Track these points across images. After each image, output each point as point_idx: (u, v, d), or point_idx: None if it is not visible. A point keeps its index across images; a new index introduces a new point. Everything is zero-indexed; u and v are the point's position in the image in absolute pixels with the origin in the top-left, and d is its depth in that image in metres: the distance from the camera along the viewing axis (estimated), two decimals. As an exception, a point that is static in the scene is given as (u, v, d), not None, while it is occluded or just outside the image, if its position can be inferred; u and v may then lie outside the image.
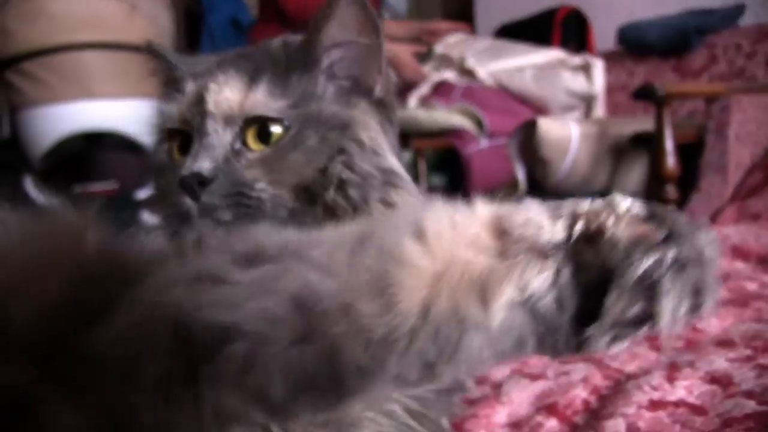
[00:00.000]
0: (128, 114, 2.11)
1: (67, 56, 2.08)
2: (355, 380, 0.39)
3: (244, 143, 0.63)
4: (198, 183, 0.60)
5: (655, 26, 2.77)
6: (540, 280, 0.41)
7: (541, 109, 2.78)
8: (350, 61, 0.68)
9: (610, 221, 0.42)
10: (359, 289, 0.40)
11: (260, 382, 0.38)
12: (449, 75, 2.81)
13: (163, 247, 0.49)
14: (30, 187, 2.20)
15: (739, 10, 2.69)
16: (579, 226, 0.42)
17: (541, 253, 0.42)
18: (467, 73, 2.82)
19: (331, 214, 0.63)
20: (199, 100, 0.65)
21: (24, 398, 0.38)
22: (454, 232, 0.43)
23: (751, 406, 0.63)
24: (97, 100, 2.10)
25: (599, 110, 2.83)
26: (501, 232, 0.43)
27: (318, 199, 0.63)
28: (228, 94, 0.64)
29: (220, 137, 0.63)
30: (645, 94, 2.09)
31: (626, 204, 0.43)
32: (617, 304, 0.39)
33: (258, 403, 0.38)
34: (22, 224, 0.50)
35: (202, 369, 0.38)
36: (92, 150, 2.13)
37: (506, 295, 0.41)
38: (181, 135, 0.67)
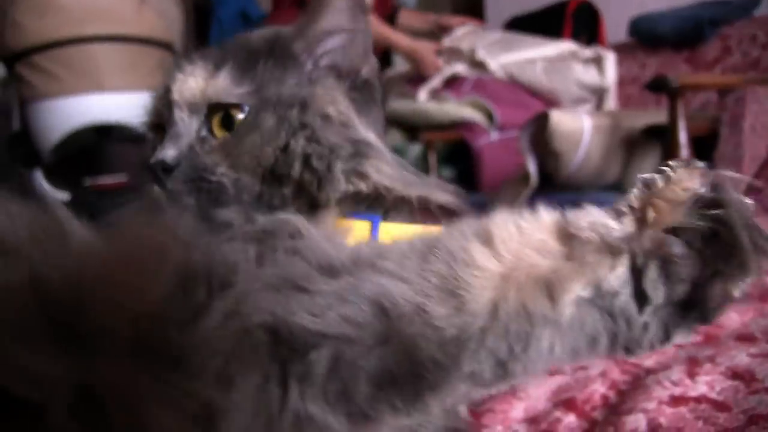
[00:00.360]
0: (138, 107, 2.10)
1: (76, 49, 2.08)
2: (433, 375, 0.41)
3: (211, 131, 0.65)
4: (162, 170, 0.61)
5: (668, 18, 2.74)
6: (613, 277, 0.42)
7: (552, 101, 2.76)
8: (341, 47, 0.69)
9: (676, 189, 0.43)
10: (430, 292, 0.42)
11: (345, 383, 0.41)
12: (460, 68, 2.80)
13: (241, 253, 0.49)
14: (40, 180, 2.20)
15: (754, 1, 2.65)
16: (649, 213, 0.43)
17: (612, 250, 0.42)
18: (478, 65, 2.80)
19: (299, 191, 0.63)
20: (167, 91, 0.66)
21: (123, 396, 0.40)
22: (521, 236, 0.44)
23: (776, 403, 0.62)
24: (106, 92, 2.10)
25: (611, 103, 2.81)
26: (567, 236, 0.44)
27: (285, 179, 0.63)
28: (191, 82, 0.65)
29: (186, 126, 0.65)
30: (658, 86, 2.07)
31: (679, 171, 0.44)
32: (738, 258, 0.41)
33: (342, 404, 0.41)
34: (107, 235, 0.51)
35: (292, 373, 0.41)
36: (102, 143, 2.13)
37: (575, 292, 0.42)
38: (162, 128, 0.68)
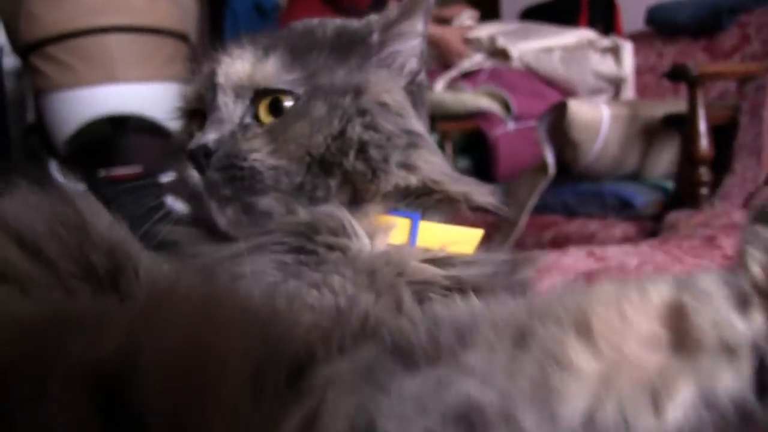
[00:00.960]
0: (153, 97, 2.10)
1: (91, 40, 2.07)
2: None
3: (257, 118, 0.63)
4: (204, 155, 0.60)
5: (686, 6, 2.71)
6: (732, 379, 0.35)
7: (568, 91, 2.74)
8: (412, 49, 0.69)
9: None
10: (520, 398, 0.37)
11: None
12: (479, 58, 2.78)
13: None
14: (55, 171, 2.21)
15: (773, -12, 2.61)
16: None
17: (735, 352, 0.36)
18: (497, 53, 2.79)
19: (348, 183, 0.62)
20: (212, 75, 0.65)
21: None
22: (624, 325, 0.38)
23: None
24: (121, 83, 2.10)
25: (629, 93, 2.78)
26: (680, 326, 0.37)
27: (334, 169, 0.61)
28: (238, 66, 0.63)
29: (230, 111, 0.63)
30: (678, 75, 2.04)
31: None
32: None
33: None
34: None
35: None
36: (116, 134, 2.13)
37: (685, 397, 0.35)
38: (200, 115, 0.67)
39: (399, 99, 0.66)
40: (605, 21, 3.11)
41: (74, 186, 2.12)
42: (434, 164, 0.64)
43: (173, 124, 2.48)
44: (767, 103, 2.06)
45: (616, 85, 2.80)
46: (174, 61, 2.17)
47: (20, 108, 2.45)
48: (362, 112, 0.62)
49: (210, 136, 0.61)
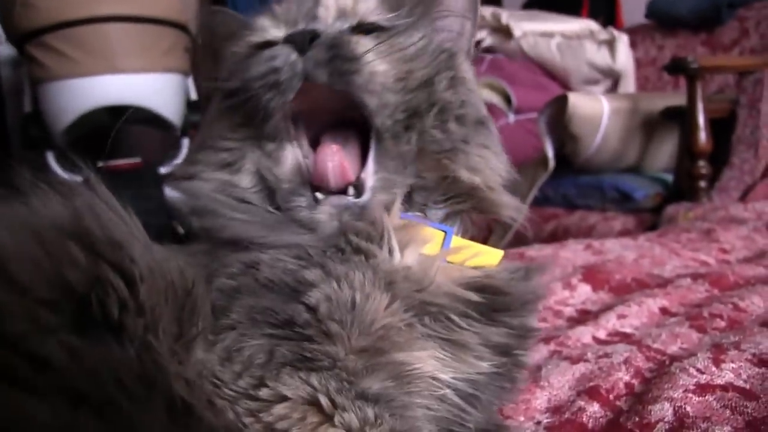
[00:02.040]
0: (152, 88, 2.09)
1: (89, 29, 2.05)
2: None
3: None
4: (309, 39, 0.59)
5: (686, 0, 2.71)
6: None
7: (564, 80, 2.73)
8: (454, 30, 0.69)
9: None
10: None
11: None
12: (482, 33, 2.75)
13: None
14: (52, 162, 2.19)
15: (771, -18, 2.61)
16: None
17: None
18: (501, 30, 2.77)
19: (422, 152, 0.61)
20: (314, 3, 0.65)
21: None
22: None
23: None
24: (120, 74, 2.08)
25: (629, 85, 2.77)
26: None
27: (415, 124, 0.61)
28: None
29: (330, 25, 0.63)
30: (677, 68, 2.05)
31: None
32: None
33: None
34: None
35: None
36: (116, 124, 2.12)
37: None
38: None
39: (471, 79, 0.67)
40: (606, 13, 3.10)
41: (70, 177, 2.10)
42: (495, 169, 0.64)
43: (173, 114, 2.49)
44: (765, 97, 2.06)
45: (613, 78, 2.79)
46: (174, 52, 2.16)
47: (17, 98, 2.43)
48: (450, 68, 0.63)
49: (317, 26, 0.61)
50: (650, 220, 1.97)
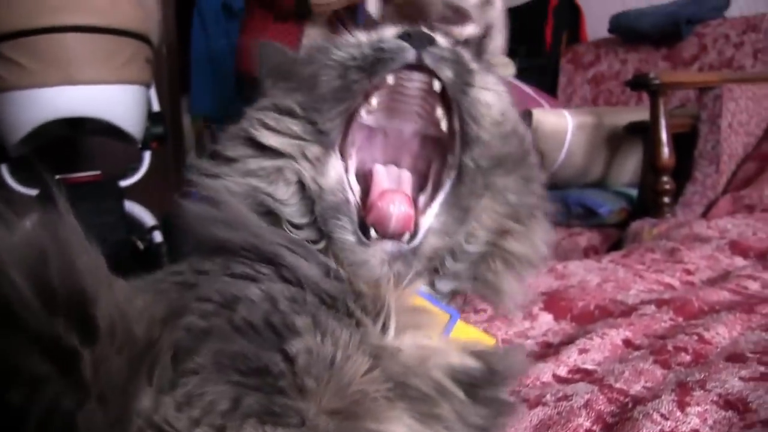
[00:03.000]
0: (111, 99, 2.05)
1: (47, 39, 2.00)
2: None
3: None
4: (428, 40, 0.56)
5: (648, 15, 2.77)
6: None
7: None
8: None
9: None
10: None
11: None
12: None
13: None
14: (6, 174, 2.13)
15: (725, 1, 2.71)
16: None
17: None
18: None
19: (486, 210, 0.59)
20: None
21: None
22: None
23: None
24: (78, 85, 2.03)
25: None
26: None
27: (498, 175, 0.58)
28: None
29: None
30: (640, 84, 2.07)
31: None
32: None
33: None
34: None
35: None
36: (74, 136, 2.07)
37: None
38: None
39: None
40: (570, 27, 3.13)
41: (26, 191, 2.05)
42: (540, 247, 0.62)
43: (133, 127, 2.44)
44: (724, 113, 2.09)
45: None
46: (134, 63, 2.12)
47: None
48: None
49: (437, 37, 0.58)
50: (616, 235, 1.98)
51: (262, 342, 0.47)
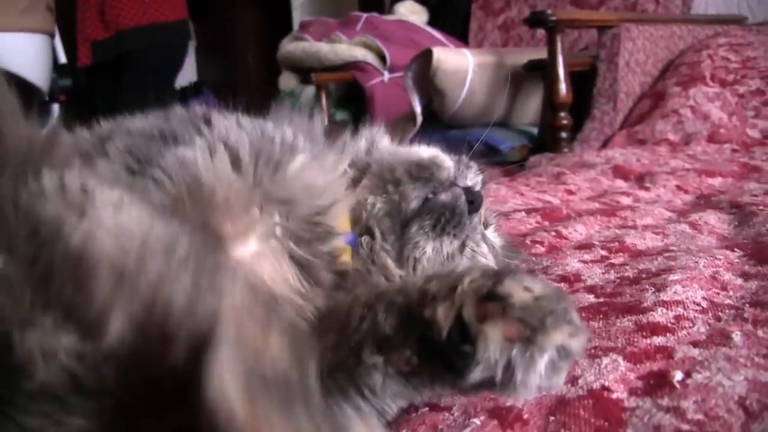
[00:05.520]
0: (11, 48, 2.01)
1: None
2: None
3: None
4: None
5: (554, -43, 2.80)
6: None
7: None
8: None
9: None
10: None
11: None
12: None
13: None
14: None
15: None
16: None
17: None
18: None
19: None
20: None
21: None
22: None
23: (589, 299, 0.67)
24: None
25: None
26: None
27: None
28: None
29: None
30: (537, 22, 2.12)
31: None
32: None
33: None
34: None
35: None
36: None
37: None
38: None
39: None
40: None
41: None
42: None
43: (38, 79, 2.37)
44: (621, 51, 2.17)
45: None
46: (33, 11, 2.07)
47: None
48: None
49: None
50: (517, 172, 2.05)
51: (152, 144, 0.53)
